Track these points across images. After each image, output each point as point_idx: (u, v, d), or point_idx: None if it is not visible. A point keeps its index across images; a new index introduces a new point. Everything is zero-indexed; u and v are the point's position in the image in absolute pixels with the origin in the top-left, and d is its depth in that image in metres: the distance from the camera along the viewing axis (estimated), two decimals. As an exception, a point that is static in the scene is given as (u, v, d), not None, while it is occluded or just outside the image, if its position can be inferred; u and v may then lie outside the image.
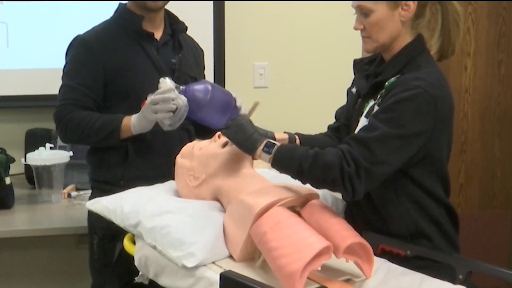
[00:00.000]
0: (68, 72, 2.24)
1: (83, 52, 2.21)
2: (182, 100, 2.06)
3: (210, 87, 2.14)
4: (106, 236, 2.20)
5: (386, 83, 1.83)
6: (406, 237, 1.84)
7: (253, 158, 1.83)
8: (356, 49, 3.33)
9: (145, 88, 2.16)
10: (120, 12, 2.28)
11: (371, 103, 1.87)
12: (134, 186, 2.01)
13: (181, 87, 2.10)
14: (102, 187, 2.23)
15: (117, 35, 2.23)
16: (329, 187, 1.73)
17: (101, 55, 2.20)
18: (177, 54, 2.30)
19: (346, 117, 2.03)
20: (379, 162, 1.68)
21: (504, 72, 3.68)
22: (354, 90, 2.02)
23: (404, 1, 1.80)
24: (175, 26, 2.32)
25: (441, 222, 1.87)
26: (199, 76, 2.38)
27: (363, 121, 1.85)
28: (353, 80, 2.10)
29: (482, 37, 3.64)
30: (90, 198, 2.22)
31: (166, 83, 2.09)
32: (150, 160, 2.23)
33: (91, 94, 2.20)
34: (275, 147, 1.72)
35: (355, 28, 1.88)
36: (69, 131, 2.20)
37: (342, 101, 2.31)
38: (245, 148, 1.78)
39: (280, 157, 1.72)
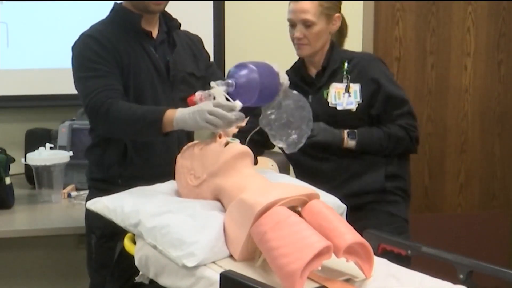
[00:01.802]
0: (85, 64, 2.14)
1: (95, 45, 2.14)
2: (239, 116, 1.92)
3: (256, 75, 1.98)
4: (104, 236, 2.20)
5: (343, 68, 2.40)
6: (381, 180, 2.39)
7: (343, 147, 2.36)
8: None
9: (144, 87, 2.15)
10: (117, 11, 2.24)
11: (336, 85, 2.39)
12: (133, 185, 2.00)
13: (229, 81, 1.96)
14: (100, 186, 2.21)
15: (117, 34, 2.19)
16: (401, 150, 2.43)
17: (110, 50, 2.14)
18: (171, 52, 2.26)
19: None
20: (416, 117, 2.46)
21: (504, 72, 3.68)
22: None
23: (334, 18, 2.42)
24: (169, 23, 2.29)
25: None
26: (197, 68, 2.32)
27: (346, 98, 2.37)
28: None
29: (482, 37, 3.64)
30: (87, 198, 2.21)
31: (218, 89, 1.93)
32: (149, 159, 2.20)
33: (118, 81, 2.12)
34: (355, 133, 2.35)
35: (297, 37, 2.37)
36: (111, 119, 2.04)
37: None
38: (336, 141, 2.34)
39: (363, 140, 2.36)
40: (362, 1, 3.35)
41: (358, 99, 2.37)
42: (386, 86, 2.37)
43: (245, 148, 1.89)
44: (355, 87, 2.38)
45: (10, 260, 3.10)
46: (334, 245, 1.55)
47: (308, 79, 2.48)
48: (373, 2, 3.48)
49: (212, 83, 1.93)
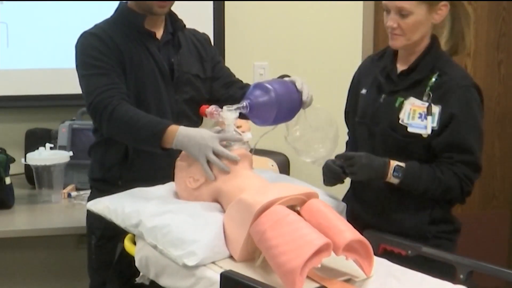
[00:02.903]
0: (87, 62, 2.12)
1: (97, 42, 2.13)
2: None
3: (273, 94, 1.94)
4: (104, 236, 2.20)
5: (430, 81, 2.02)
6: (430, 222, 2.06)
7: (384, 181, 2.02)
8: (356, 49, 3.34)
9: (146, 88, 2.15)
10: (121, 11, 2.24)
11: (414, 101, 2.03)
12: (132, 187, 2.00)
13: (244, 103, 1.92)
14: (101, 187, 2.21)
15: (120, 33, 2.18)
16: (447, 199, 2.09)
17: (112, 48, 2.13)
18: (176, 53, 2.25)
19: (361, 115, 2.15)
20: (479, 170, 2.07)
21: (504, 72, 3.68)
22: (364, 91, 2.16)
23: (439, 6, 2.01)
24: (175, 24, 2.27)
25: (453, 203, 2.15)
26: (203, 69, 2.29)
27: (422, 119, 2.00)
28: (355, 80, 2.24)
29: (482, 37, 3.63)
30: (89, 198, 2.22)
31: (229, 116, 1.89)
32: (149, 161, 2.18)
33: (121, 80, 2.11)
34: (402, 171, 1.98)
35: (390, 26, 2.02)
36: (114, 122, 2.02)
37: (342, 100, 2.32)
38: (378, 177, 2.00)
39: (408, 180, 1.99)
40: (362, 1, 3.35)
41: (435, 124, 1.99)
42: (460, 126, 1.99)
43: (243, 150, 1.90)
44: (435, 109, 2.00)
45: (10, 260, 3.10)
46: (334, 243, 1.55)
47: (390, 73, 2.11)
48: (373, 2, 3.48)
49: (225, 108, 1.90)
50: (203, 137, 1.87)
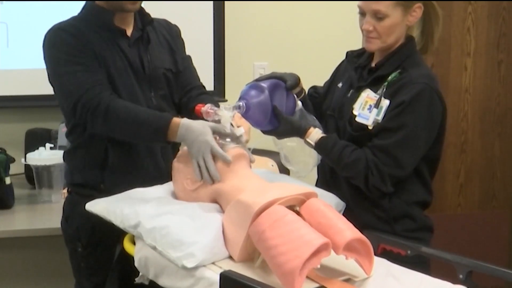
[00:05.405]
0: (65, 58, 2.04)
1: (71, 38, 2.04)
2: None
3: (267, 93, 1.95)
4: (90, 244, 2.16)
5: (389, 77, 2.03)
6: (389, 220, 2.04)
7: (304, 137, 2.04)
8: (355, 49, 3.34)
9: (120, 85, 2.07)
10: (89, 9, 2.15)
11: (368, 93, 2.05)
12: (115, 190, 1.96)
13: (240, 103, 1.91)
14: (82, 192, 2.14)
15: (91, 30, 2.08)
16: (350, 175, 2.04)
17: (86, 43, 2.05)
18: (146, 49, 2.17)
19: (331, 109, 2.19)
20: (400, 166, 1.97)
21: (504, 72, 3.68)
22: (340, 85, 2.20)
23: (413, 8, 2.01)
24: (143, 19, 2.19)
25: (426, 203, 2.11)
26: (175, 63, 2.24)
27: (370, 112, 2.02)
28: (334, 75, 2.29)
29: (482, 37, 3.64)
30: (67, 203, 2.22)
31: (226, 115, 1.89)
32: (131, 163, 2.12)
33: (103, 74, 2.04)
34: (314, 145, 2.02)
35: (365, 29, 2.03)
36: (110, 118, 1.96)
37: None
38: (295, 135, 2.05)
39: (319, 152, 2.04)
40: (362, 1, 3.35)
41: (379, 117, 1.99)
42: (399, 115, 1.97)
43: (241, 150, 1.89)
44: (384, 103, 2.00)
45: (10, 260, 3.10)
46: (334, 242, 1.55)
47: (363, 71, 2.14)
48: (373, 2, 3.48)
49: (222, 106, 1.89)
50: (202, 134, 1.87)
